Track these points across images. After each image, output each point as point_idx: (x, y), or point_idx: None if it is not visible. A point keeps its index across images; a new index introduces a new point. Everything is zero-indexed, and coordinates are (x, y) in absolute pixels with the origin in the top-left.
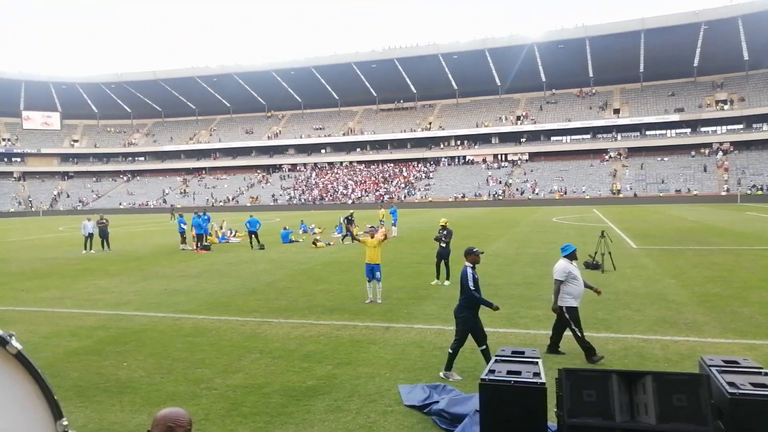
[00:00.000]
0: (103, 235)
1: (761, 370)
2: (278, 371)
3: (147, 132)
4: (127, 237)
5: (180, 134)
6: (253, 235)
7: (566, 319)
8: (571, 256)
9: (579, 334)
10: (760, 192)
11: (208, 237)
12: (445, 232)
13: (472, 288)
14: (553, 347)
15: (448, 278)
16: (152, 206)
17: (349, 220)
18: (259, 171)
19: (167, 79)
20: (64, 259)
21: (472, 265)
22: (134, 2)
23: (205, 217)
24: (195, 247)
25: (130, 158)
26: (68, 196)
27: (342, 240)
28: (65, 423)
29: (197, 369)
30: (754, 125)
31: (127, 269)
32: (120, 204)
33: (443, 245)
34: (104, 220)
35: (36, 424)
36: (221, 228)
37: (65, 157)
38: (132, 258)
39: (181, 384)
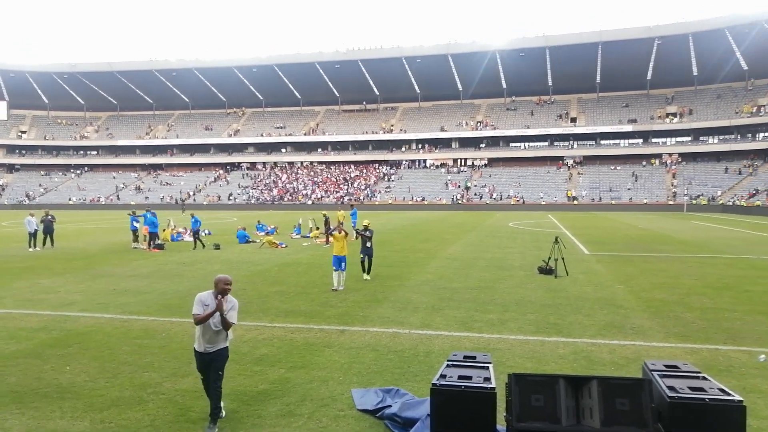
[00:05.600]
0: (48, 231)
1: (699, 374)
2: (229, 375)
3: (101, 125)
4: (76, 234)
5: (136, 129)
6: (195, 235)
7: None
8: None
9: None
10: (704, 202)
11: (162, 235)
12: (367, 232)
13: None
14: None
15: (368, 273)
16: (104, 202)
17: (326, 222)
18: (217, 169)
19: (124, 71)
20: (6, 256)
21: None
22: None
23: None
24: (148, 246)
25: (81, 152)
26: (4, 190)
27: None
28: None
29: (144, 373)
30: (701, 138)
31: (73, 268)
32: (69, 199)
33: (369, 245)
34: (50, 216)
35: None
36: (170, 227)
37: (11, 149)
38: (80, 256)
39: (126, 389)
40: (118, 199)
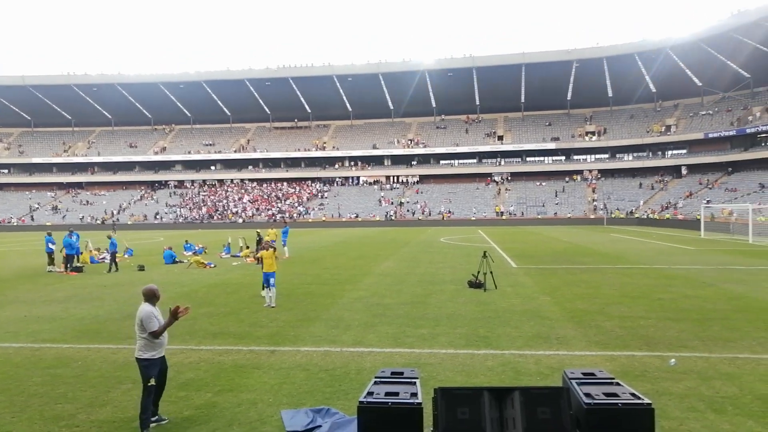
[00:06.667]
0: None
1: (613, 381)
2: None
3: (12, 142)
4: None
5: (52, 146)
6: (113, 257)
7: None
8: None
9: None
10: (622, 215)
11: (80, 257)
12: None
13: None
14: None
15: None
16: (16, 223)
17: (259, 241)
18: (143, 187)
19: (38, 86)
20: None
21: None
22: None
23: (75, 236)
24: (65, 269)
25: None
26: None
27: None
28: None
29: (57, 405)
30: (617, 155)
31: None
32: None
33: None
34: None
35: None
36: (87, 249)
37: None
38: None
39: (36, 422)
40: (33, 219)
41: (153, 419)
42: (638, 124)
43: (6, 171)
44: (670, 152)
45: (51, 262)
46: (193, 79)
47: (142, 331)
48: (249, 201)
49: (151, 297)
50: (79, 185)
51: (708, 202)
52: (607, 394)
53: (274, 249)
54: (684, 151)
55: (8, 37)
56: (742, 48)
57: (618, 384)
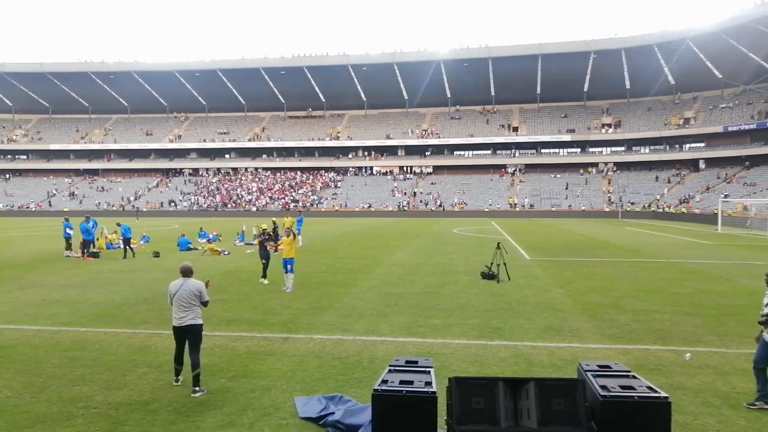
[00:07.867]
0: None
1: (629, 373)
2: (167, 386)
3: (30, 128)
4: (3, 242)
5: (69, 132)
6: (126, 243)
7: None
8: None
9: None
10: (638, 209)
11: (96, 243)
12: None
13: None
14: None
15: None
16: (34, 209)
17: (275, 230)
18: (158, 174)
19: (56, 73)
20: None
21: None
22: None
23: (92, 222)
24: (81, 254)
25: (9, 156)
26: None
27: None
28: None
29: (75, 386)
30: (634, 148)
31: None
32: None
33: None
34: None
35: None
36: (103, 235)
37: None
38: (7, 265)
39: (54, 404)
40: (50, 205)
41: (198, 390)
42: (656, 117)
43: (24, 157)
44: (688, 145)
45: (68, 247)
46: (209, 68)
47: (196, 300)
48: (263, 189)
49: (191, 273)
50: (95, 172)
51: (726, 196)
52: (624, 387)
53: (295, 236)
54: (702, 145)
55: (27, 25)
56: (764, 39)
57: (634, 377)
